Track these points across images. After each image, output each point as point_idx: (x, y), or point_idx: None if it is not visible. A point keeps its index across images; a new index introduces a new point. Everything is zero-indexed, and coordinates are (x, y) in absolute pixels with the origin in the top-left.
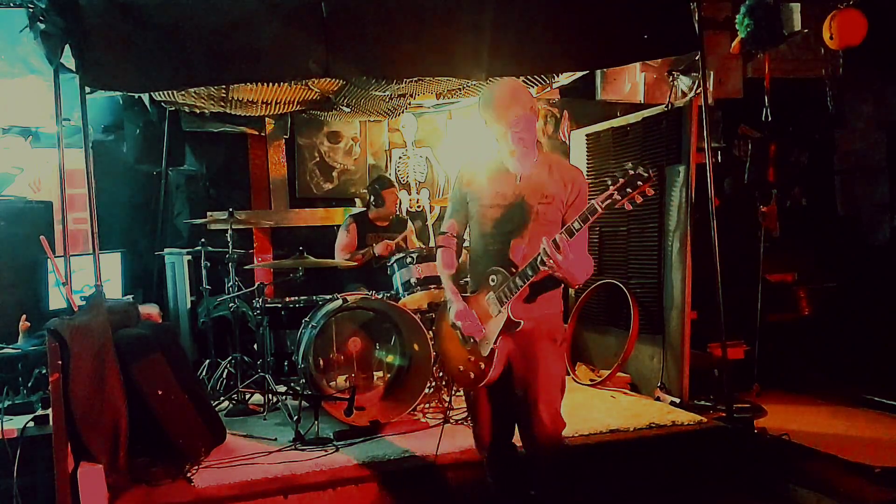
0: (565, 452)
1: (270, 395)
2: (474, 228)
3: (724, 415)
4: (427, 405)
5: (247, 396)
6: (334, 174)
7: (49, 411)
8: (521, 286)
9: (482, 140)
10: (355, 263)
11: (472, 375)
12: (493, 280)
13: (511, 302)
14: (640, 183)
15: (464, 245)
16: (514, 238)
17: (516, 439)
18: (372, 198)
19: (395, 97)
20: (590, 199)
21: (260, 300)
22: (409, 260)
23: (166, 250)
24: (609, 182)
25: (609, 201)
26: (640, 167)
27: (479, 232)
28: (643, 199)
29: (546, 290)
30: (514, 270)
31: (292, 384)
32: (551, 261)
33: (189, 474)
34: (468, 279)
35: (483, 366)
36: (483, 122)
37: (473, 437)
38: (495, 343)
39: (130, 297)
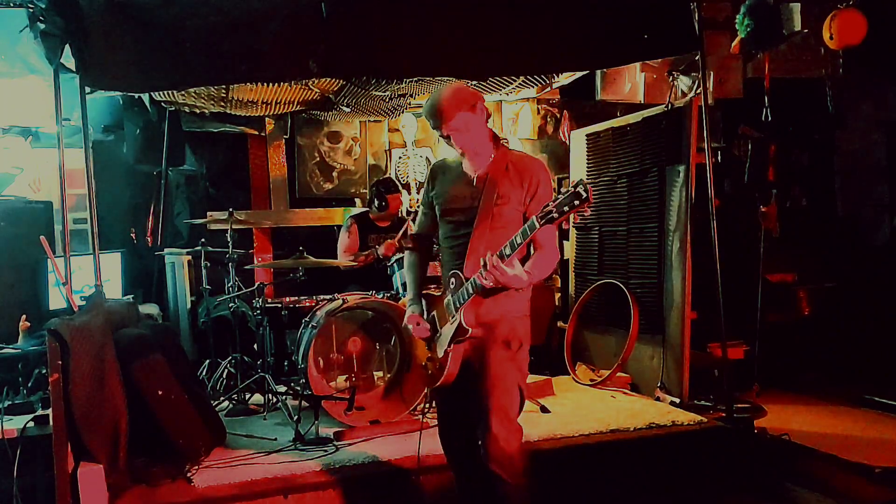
0: (517, 472)
1: (270, 395)
2: (441, 230)
3: (724, 415)
4: (427, 405)
5: (247, 396)
6: (334, 174)
7: (49, 411)
8: (472, 294)
9: None
10: (356, 264)
11: (431, 374)
12: (451, 283)
13: (462, 308)
14: (576, 202)
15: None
16: (471, 240)
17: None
18: (375, 201)
19: (395, 97)
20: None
21: (260, 300)
22: None
23: (166, 250)
24: (555, 195)
25: (547, 218)
26: (581, 185)
27: (443, 234)
28: (581, 218)
29: (508, 292)
30: (470, 276)
31: (292, 384)
32: (486, 280)
33: (189, 474)
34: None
35: (439, 366)
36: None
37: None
38: (449, 346)
39: (130, 297)
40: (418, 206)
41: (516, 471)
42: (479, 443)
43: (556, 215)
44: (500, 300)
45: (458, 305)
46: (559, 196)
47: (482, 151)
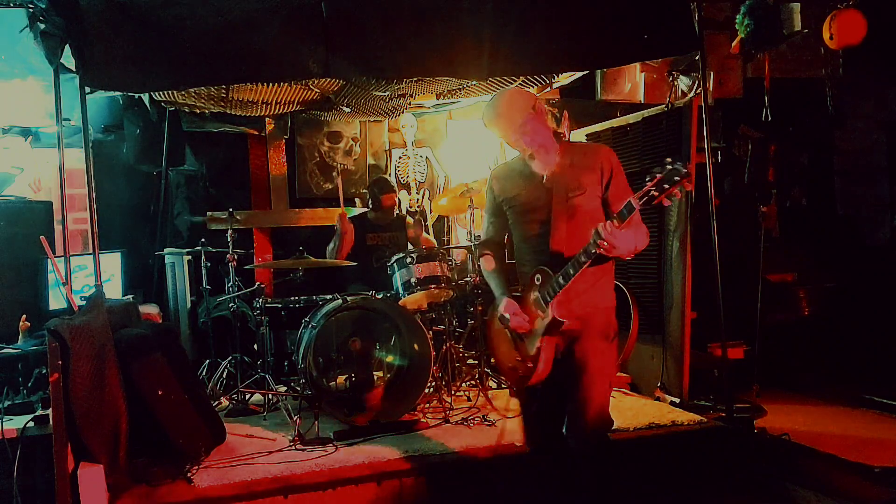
0: (608, 448)
1: (270, 395)
2: (515, 233)
3: (724, 415)
4: (427, 405)
5: (247, 396)
6: (334, 174)
7: (49, 411)
8: (563, 285)
9: (483, 140)
10: (354, 263)
11: (521, 373)
12: (537, 279)
13: (555, 301)
14: (677, 178)
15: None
16: (554, 236)
17: None
18: (370, 201)
19: (395, 97)
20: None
21: (260, 300)
22: (409, 260)
23: (166, 250)
24: (647, 178)
25: (646, 198)
26: (677, 162)
27: (521, 236)
28: (682, 194)
29: (594, 284)
30: (556, 270)
31: (292, 384)
32: (604, 245)
33: (189, 474)
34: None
35: (531, 364)
36: (494, 135)
37: (523, 431)
38: (540, 342)
39: (130, 297)
40: (485, 213)
41: (605, 457)
42: (574, 431)
43: (655, 194)
44: (593, 292)
45: (549, 299)
46: (656, 174)
47: (550, 148)
